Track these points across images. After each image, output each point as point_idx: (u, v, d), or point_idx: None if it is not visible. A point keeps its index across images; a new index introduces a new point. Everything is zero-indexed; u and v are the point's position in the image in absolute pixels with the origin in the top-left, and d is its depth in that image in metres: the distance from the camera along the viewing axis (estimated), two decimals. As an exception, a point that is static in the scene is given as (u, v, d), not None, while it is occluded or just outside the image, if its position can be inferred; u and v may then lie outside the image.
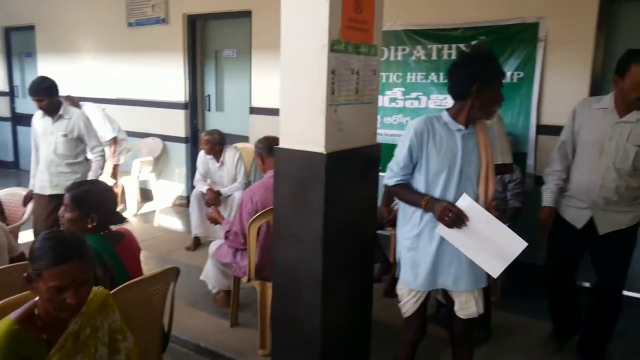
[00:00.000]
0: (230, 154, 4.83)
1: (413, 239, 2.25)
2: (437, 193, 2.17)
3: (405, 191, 2.24)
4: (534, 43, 4.03)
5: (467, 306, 2.26)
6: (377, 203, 2.87)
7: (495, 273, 2.12)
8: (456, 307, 2.28)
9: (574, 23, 3.85)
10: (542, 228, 2.91)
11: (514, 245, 2.06)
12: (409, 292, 2.31)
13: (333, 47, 2.36)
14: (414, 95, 4.64)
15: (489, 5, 4.16)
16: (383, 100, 4.75)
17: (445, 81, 4.32)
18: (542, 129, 4.07)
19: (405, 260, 2.29)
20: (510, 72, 4.14)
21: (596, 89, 3.83)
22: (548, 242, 2.98)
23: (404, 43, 4.60)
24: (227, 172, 4.83)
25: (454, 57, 4.35)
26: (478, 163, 2.18)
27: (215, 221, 3.58)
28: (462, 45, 4.28)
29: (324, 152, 2.38)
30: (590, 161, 2.68)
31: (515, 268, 2.85)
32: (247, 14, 5.61)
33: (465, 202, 2.09)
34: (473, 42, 4.24)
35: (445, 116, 2.19)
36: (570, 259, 2.92)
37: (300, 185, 2.45)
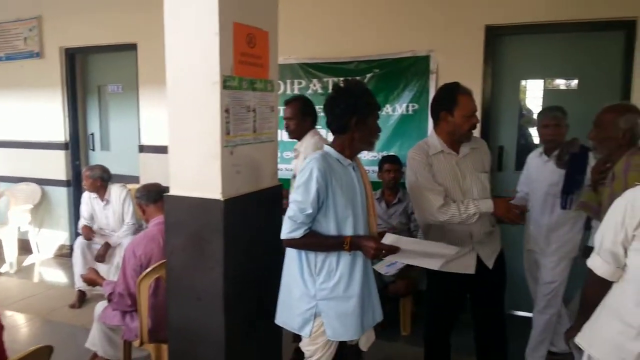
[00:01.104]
0: (116, 192, 4.41)
1: (332, 288, 2.10)
2: (348, 232, 2.09)
3: (318, 239, 2.09)
4: (426, 75, 4.11)
5: (370, 334, 2.31)
6: (282, 246, 2.67)
7: (436, 267, 2.26)
8: (362, 341, 2.29)
9: (462, 56, 3.98)
10: (512, 218, 2.47)
11: (446, 250, 2.23)
12: (324, 345, 2.15)
13: (225, 83, 2.17)
14: (312, 128, 4.53)
15: (382, 39, 4.20)
16: (281, 135, 4.58)
17: None
18: (439, 159, 4.11)
19: (327, 313, 2.11)
20: (405, 104, 4.19)
21: (487, 118, 3.96)
22: (430, 303, 2.77)
23: (300, 76, 4.52)
24: (113, 211, 4.39)
25: (350, 90, 4.33)
26: (364, 194, 2.20)
27: (93, 283, 3.06)
28: (357, 78, 4.28)
29: (221, 199, 2.16)
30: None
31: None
32: (132, 47, 5.26)
33: (390, 239, 2.06)
34: (369, 76, 4.27)
35: (333, 152, 2.13)
36: (455, 312, 2.74)
37: (195, 236, 2.20)
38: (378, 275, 3.67)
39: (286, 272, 2.21)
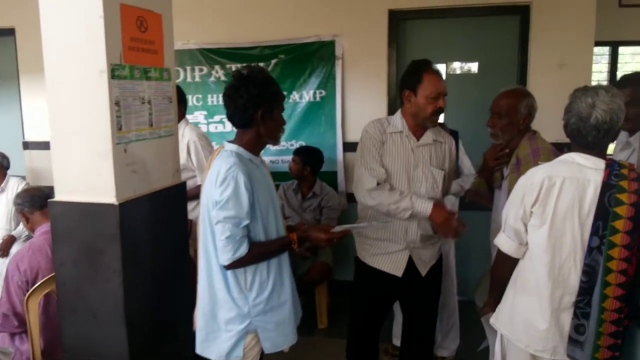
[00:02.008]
0: (14, 184, 3.97)
1: (267, 299, 1.93)
2: (273, 234, 1.96)
3: (264, 247, 1.92)
4: (332, 61, 4.02)
5: None
6: (188, 249, 2.48)
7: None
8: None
9: (367, 41, 3.94)
10: (447, 231, 2.31)
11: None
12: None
13: (114, 72, 1.93)
14: (217, 118, 4.32)
15: (285, 24, 4.05)
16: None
17: None
18: (348, 147, 4.07)
19: (265, 327, 1.94)
20: (312, 91, 4.09)
21: (393, 104, 3.96)
22: (354, 299, 2.56)
23: (201, 63, 4.26)
24: (6, 204, 3.91)
25: (255, 76, 4.15)
26: (274, 193, 2.06)
27: None
28: (261, 64, 4.11)
29: (115, 203, 1.92)
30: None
31: (341, 288, 2.65)
32: (9, 32, 4.70)
33: (338, 229, 2.04)
34: (273, 62, 4.11)
35: (243, 151, 1.93)
36: (383, 314, 2.54)
37: (88, 246, 1.95)
38: (293, 267, 3.60)
39: (207, 296, 1.94)
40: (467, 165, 3.18)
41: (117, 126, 1.94)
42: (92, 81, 1.90)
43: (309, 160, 3.85)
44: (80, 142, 1.96)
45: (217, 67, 4.24)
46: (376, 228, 2.33)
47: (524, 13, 3.74)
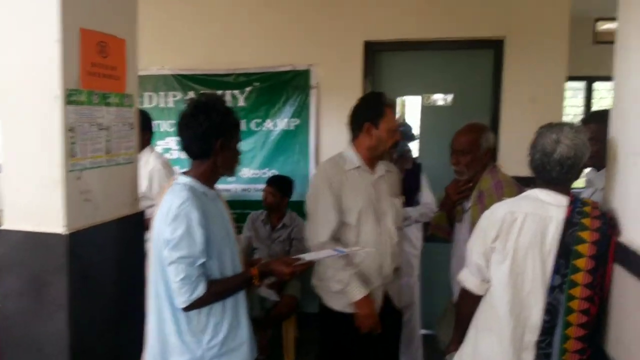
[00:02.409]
0: None
1: (222, 342, 1.82)
2: (228, 270, 1.85)
3: (223, 285, 1.81)
4: (307, 90, 4.01)
5: None
6: (144, 283, 2.38)
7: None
8: None
9: (342, 71, 3.93)
10: (373, 326, 2.23)
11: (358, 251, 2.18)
12: None
13: (70, 98, 1.87)
14: (190, 144, 4.25)
15: (261, 52, 4.04)
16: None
17: None
18: (322, 176, 4.02)
19: None
20: (286, 119, 4.06)
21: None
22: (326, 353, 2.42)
23: (175, 88, 4.21)
24: None
25: (229, 103, 4.10)
26: (231, 227, 1.94)
27: None
28: (236, 92, 4.10)
29: (64, 232, 1.84)
30: (372, 231, 2.25)
31: (309, 321, 2.53)
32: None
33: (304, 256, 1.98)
34: (248, 89, 4.09)
35: (197, 184, 1.81)
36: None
37: (33, 278, 1.86)
38: (259, 301, 3.50)
39: (156, 340, 1.81)
40: (426, 197, 3.15)
41: (71, 153, 1.88)
42: (46, 106, 1.85)
43: (287, 191, 3.80)
44: (32, 169, 1.89)
45: (191, 93, 4.18)
46: (350, 255, 2.20)
47: (498, 47, 3.78)
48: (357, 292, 2.17)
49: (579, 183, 2.07)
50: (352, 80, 3.93)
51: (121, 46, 2.14)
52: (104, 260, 2.04)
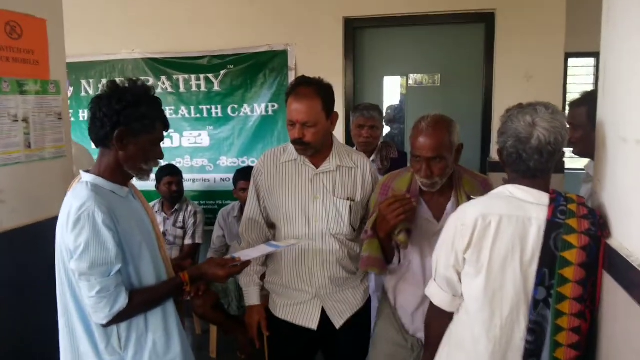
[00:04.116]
0: None
1: (149, 356, 1.61)
2: (149, 278, 1.61)
3: (148, 294, 1.60)
4: (285, 72, 3.74)
5: None
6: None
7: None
8: None
9: (321, 51, 3.66)
10: (251, 337, 2.08)
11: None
12: None
13: (-31, 86, 1.63)
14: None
15: (236, 33, 3.78)
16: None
17: (198, 115, 3.95)
18: (303, 163, 3.77)
19: None
20: (264, 104, 3.80)
21: (349, 117, 3.66)
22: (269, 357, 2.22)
23: (146, 73, 3.97)
24: None
25: (203, 88, 3.87)
26: (152, 225, 1.71)
27: None
28: (210, 75, 3.84)
29: (-35, 241, 1.61)
30: (300, 235, 1.98)
31: None
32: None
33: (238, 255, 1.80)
34: (223, 72, 3.82)
35: (103, 182, 1.58)
36: None
37: None
38: (238, 298, 3.28)
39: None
40: None
41: (-27, 149, 1.64)
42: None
43: (181, 178, 3.67)
44: None
45: (163, 78, 3.95)
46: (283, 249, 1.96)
47: (489, 21, 3.47)
48: (250, 298, 2.05)
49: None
50: (332, 60, 3.66)
51: (40, 27, 1.89)
52: (19, 268, 1.80)
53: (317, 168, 1.97)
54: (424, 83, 3.73)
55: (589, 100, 1.91)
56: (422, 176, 1.77)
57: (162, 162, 3.71)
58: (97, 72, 4.01)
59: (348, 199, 1.97)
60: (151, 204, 3.71)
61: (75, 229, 1.47)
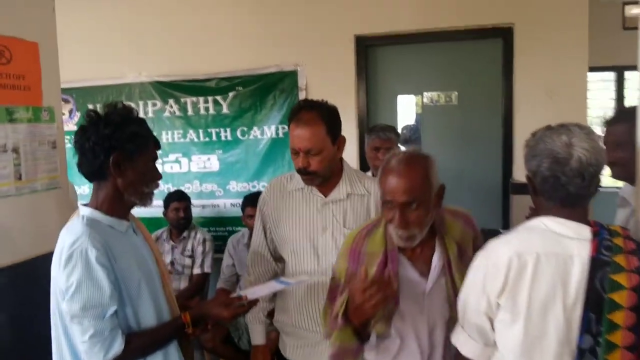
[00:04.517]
0: None
1: None
2: (149, 319, 1.49)
3: (148, 337, 1.48)
4: (295, 93, 3.62)
5: None
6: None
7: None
8: None
9: (332, 70, 3.53)
10: None
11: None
12: None
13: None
14: (172, 157, 3.90)
15: (243, 53, 3.67)
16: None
17: (207, 139, 3.84)
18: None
19: None
20: (274, 126, 3.67)
21: (364, 139, 3.52)
22: None
23: (154, 97, 3.87)
24: None
25: (212, 111, 3.76)
26: (155, 261, 1.60)
27: None
28: (219, 98, 3.73)
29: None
30: (309, 271, 1.83)
31: None
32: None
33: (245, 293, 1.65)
34: (231, 94, 3.70)
35: (99, 215, 1.46)
36: None
37: None
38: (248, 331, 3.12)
39: None
40: None
41: (-44, 183, 1.52)
42: None
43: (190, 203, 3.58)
44: None
45: (171, 101, 3.85)
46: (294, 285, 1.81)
47: (507, 36, 3.32)
48: (254, 337, 1.94)
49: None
50: (344, 79, 3.53)
51: (32, 50, 1.78)
52: (8, 309, 1.66)
53: (325, 197, 1.82)
54: (440, 101, 3.57)
55: (628, 117, 1.74)
56: (396, 226, 1.44)
57: (171, 188, 3.72)
58: (104, 96, 3.92)
59: None
60: (158, 232, 3.66)
61: (67, 267, 1.36)
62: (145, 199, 1.53)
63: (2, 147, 1.66)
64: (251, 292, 1.64)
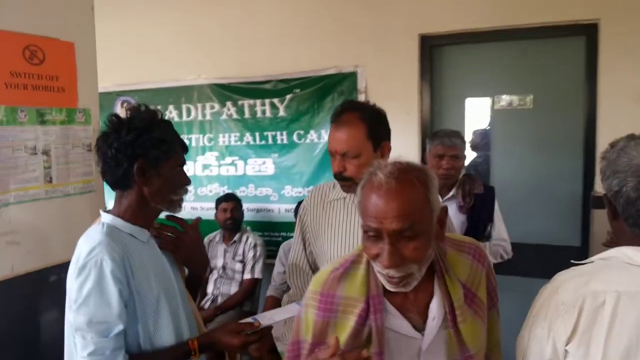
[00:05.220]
0: None
1: None
2: (165, 339, 1.39)
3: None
4: (354, 95, 3.44)
5: None
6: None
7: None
8: None
9: (394, 72, 3.32)
10: None
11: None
12: None
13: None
14: (229, 160, 3.85)
15: (301, 54, 3.54)
16: (195, 168, 3.93)
17: (263, 142, 3.75)
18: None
19: None
20: (333, 130, 3.51)
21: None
22: None
23: (212, 99, 3.83)
24: None
25: (268, 114, 3.66)
26: (178, 275, 1.53)
27: None
28: (275, 100, 3.63)
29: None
30: None
31: None
32: None
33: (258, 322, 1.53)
34: (288, 97, 3.59)
35: (121, 223, 1.38)
36: None
37: None
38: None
39: None
40: (498, 229, 2.46)
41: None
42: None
43: (239, 205, 3.56)
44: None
45: (229, 103, 3.79)
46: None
47: (591, 33, 2.97)
48: None
49: None
50: (406, 81, 3.31)
51: (67, 51, 1.73)
52: (35, 315, 1.61)
53: None
54: (513, 105, 3.26)
55: None
56: (384, 265, 1.04)
57: (227, 191, 3.67)
58: (164, 98, 3.93)
59: None
60: (212, 235, 3.62)
61: (79, 277, 1.29)
62: (173, 207, 1.45)
63: (31, 149, 1.62)
64: (267, 318, 1.51)
